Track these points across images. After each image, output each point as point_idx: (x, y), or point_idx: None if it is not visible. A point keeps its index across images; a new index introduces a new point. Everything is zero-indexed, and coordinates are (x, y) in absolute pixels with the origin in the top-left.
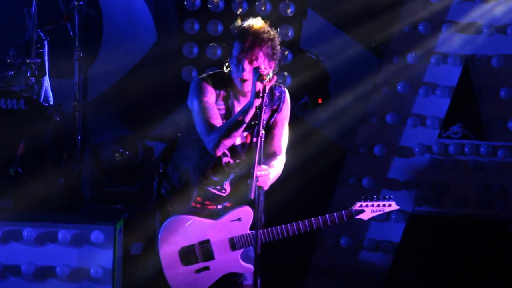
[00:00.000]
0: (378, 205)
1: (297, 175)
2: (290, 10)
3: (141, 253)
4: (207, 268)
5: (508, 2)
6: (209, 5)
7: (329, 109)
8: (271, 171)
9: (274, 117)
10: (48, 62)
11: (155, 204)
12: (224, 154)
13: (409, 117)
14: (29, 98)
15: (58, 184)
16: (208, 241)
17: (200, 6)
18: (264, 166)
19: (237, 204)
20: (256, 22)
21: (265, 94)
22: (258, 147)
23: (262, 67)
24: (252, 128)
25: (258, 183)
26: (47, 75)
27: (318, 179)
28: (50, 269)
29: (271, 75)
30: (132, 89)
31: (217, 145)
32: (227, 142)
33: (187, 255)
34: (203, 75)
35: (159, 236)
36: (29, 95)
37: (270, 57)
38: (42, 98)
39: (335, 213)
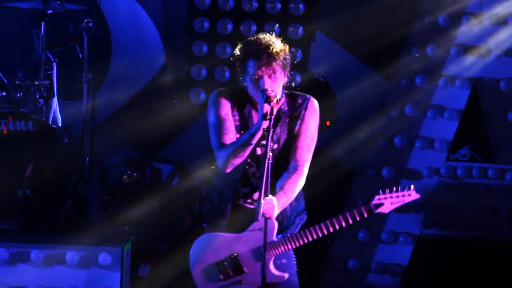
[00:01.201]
0: (398, 196)
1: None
2: (298, 32)
3: (148, 275)
4: (239, 282)
5: None
6: (217, 27)
7: (339, 132)
8: (281, 200)
9: (297, 126)
10: (56, 83)
11: (195, 222)
12: (250, 165)
13: (417, 140)
14: (38, 120)
15: (66, 206)
16: (236, 255)
17: (209, 28)
18: (269, 198)
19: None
20: (264, 37)
21: (272, 117)
22: (266, 170)
23: (269, 89)
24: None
25: (266, 214)
26: (56, 97)
27: (325, 199)
28: None
29: (278, 97)
30: (141, 111)
31: (225, 163)
32: (235, 161)
33: (219, 271)
34: (220, 89)
35: (190, 256)
36: (37, 117)
37: (285, 67)
38: (50, 120)
39: (354, 210)
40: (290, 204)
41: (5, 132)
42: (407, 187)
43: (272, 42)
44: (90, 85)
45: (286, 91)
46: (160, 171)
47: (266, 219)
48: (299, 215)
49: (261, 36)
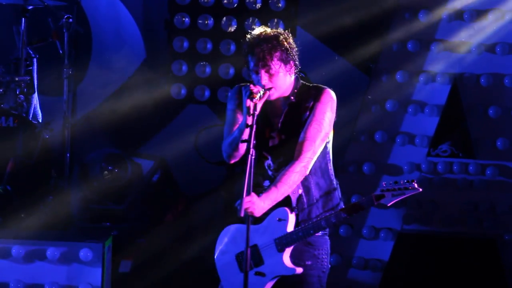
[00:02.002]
0: (399, 189)
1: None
2: (279, 27)
3: (129, 270)
4: (259, 273)
5: (496, 21)
6: (198, 23)
7: None
8: (272, 195)
9: (306, 117)
10: (37, 79)
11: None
12: (265, 158)
13: (398, 135)
14: (18, 115)
15: (46, 202)
16: (256, 245)
17: (190, 24)
18: (249, 197)
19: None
20: (261, 32)
21: (256, 112)
22: (248, 166)
23: (252, 85)
24: (280, 129)
25: (248, 211)
26: (36, 92)
27: None
28: (38, 287)
29: (261, 93)
30: (121, 107)
31: (225, 154)
32: (234, 154)
33: (239, 262)
34: (241, 83)
35: (215, 248)
36: (18, 113)
37: (285, 60)
38: (31, 116)
39: (356, 201)
40: (308, 198)
41: None
42: (410, 181)
43: (267, 36)
44: (70, 81)
45: (303, 82)
46: (141, 167)
47: (248, 216)
48: (328, 211)
49: (258, 30)
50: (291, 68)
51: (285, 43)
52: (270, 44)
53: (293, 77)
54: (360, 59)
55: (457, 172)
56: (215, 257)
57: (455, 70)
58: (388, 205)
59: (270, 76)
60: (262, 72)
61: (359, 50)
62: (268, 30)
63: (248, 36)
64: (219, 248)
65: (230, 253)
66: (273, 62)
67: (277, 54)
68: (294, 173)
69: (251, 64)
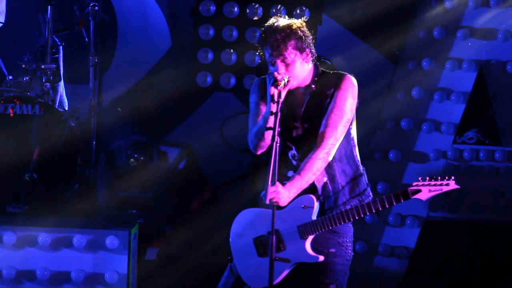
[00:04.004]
0: (436, 184)
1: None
2: (305, 15)
3: (155, 258)
4: (275, 259)
5: None
6: (224, 11)
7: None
8: (297, 183)
9: (327, 105)
10: (63, 67)
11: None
12: (289, 148)
13: (424, 123)
14: (44, 103)
15: (73, 189)
16: (277, 230)
17: (215, 12)
18: (274, 187)
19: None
20: (274, 22)
21: (280, 100)
22: (273, 154)
23: (276, 72)
24: (302, 118)
25: (273, 201)
26: (62, 80)
27: None
28: (65, 274)
29: (286, 80)
30: (147, 95)
31: (251, 145)
32: (261, 144)
33: (256, 246)
34: (263, 76)
35: (231, 230)
36: (44, 101)
37: (301, 48)
38: (57, 104)
39: (391, 194)
40: (333, 185)
41: (11, 115)
42: (447, 177)
43: (280, 26)
44: (96, 69)
45: (323, 69)
46: (166, 155)
47: (273, 205)
48: (355, 197)
49: (270, 21)
50: (307, 56)
51: (299, 31)
52: (284, 33)
53: (311, 65)
54: (386, 46)
55: (483, 160)
56: (230, 239)
57: (481, 57)
58: (424, 199)
59: (287, 65)
60: (278, 62)
61: (385, 38)
62: (281, 19)
63: (263, 27)
64: (235, 230)
65: (247, 237)
66: (287, 51)
67: (292, 42)
68: (317, 160)
69: (267, 55)
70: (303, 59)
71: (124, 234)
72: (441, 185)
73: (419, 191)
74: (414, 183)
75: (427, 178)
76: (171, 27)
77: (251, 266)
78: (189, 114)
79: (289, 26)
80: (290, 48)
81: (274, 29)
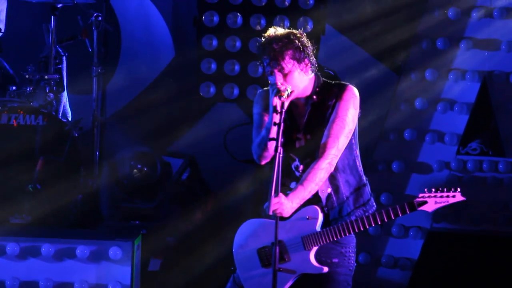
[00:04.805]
0: (442, 196)
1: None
2: (308, 26)
3: (159, 269)
4: (279, 270)
5: None
6: (227, 21)
7: None
8: (300, 194)
9: (329, 116)
10: (66, 78)
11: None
12: (292, 159)
13: (427, 134)
14: (48, 114)
15: (76, 200)
16: (281, 241)
17: (218, 22)
18: (277, 199)
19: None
20: (272, 33)
21: (283, 110)
22: (276, 165)
23: (279, 82)
24: (304, 129)
25: (276, 212)
26: (66, 91)
27: None
28: (68, 285)
29: (289, 90)
30: (150, 105)
31: (255, 156)
32: (264, 154)
33: (259, 257)
34: (265, 88)
35: (234, 240)
36: (47, 111)
37: (299, 59)
38: (60, 114)
39: (397, 206)
40: (337, 196)
41: (15, 125)
42: (453, 188)
43: (277, 36)
44: (99, 79)
45: (325, 79)
46: (170, 165)
47: (277, 216)
48: (359, 207)
49: (268, 31)
50: (306, 66)
51: (297, 41)
52: (281, 42)
53: (311, 75)
54: (389, 57)
55: (487, 170)
56: (234, 250)
57: (484, 68)
58: (430, 211)
59: (284, 75)
60: (276, 72)
61: (388, 48)
62: (279, 29)
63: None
64: (238, 241)
65: (250, 247)
66: (285, 61)
67: (289, 52)
68: (319, 170)
69: (266, 64)
70: (302, 69)
71: (127, 245)
72: (447, 196)
73: (425, 202)
74: (420, 195)
75: (433, 190)
76: (174, 37)
77: (255, 277)
78: (193, 125)
79: (286, 36)
80: (287, 58)
81: (272, 38)
